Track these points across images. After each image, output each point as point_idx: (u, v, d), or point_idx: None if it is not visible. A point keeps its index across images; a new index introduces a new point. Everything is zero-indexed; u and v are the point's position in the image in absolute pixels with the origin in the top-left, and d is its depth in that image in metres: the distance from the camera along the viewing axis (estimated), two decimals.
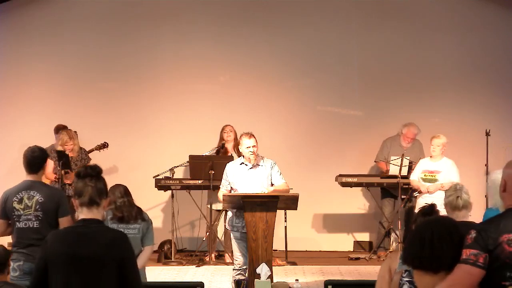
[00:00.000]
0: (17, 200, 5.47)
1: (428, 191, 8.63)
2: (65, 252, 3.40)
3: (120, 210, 5.90)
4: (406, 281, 3.37)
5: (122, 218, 5.87)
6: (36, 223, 5.43)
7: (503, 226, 3.23)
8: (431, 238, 3.25)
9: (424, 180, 8.72)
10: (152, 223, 6.03)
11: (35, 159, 5.57)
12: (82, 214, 3.50)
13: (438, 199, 8.52)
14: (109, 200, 5.98)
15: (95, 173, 3.53)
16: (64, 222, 5.50)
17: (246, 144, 7.07)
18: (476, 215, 5.17)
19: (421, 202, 8.29)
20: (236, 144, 8.97)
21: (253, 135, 7.11)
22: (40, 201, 5.44)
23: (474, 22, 10.51)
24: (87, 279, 3.37)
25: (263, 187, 7.04)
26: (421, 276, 3.29)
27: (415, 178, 8.84)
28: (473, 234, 3.22)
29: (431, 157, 8.82)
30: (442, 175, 8.65)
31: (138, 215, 5.93)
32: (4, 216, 5.51)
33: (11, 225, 5.53)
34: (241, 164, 7.15)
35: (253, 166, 7.10)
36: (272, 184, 7.12)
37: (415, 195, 8.93)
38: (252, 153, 7.03)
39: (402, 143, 9.66)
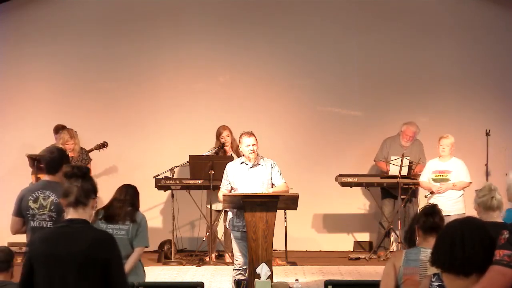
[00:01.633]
0: (32, 199, 5.46)
1: (439, 191, 8.61)
2: (48, 251, 3.41)
3: (110, 210, 5.89)
4: (436, 285, 3.30)
5: (109, 218, 5.86)
6: (50, 223, 5.42)
7: None
8: (461, 241, 3.15)
9: (435, 180, 8.69)
10: (145, 224, 5.97)
11: (53, 160, 5.56)
12: (69, 214, 3.50)
13: (449, 199, 8.55)
14: (112, 199, 6.01)
15: (81, 173, 3.53)
16: None
17: (246, 142, 7.09)
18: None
19: (433, 202, 8.27)
20: (235, 145, 9.00)
21: (253, 134, 7.13)
22: (55, 202, 5.43)
23: (474, 22, 10.51)
24: (70, 279, 3.36)
25: (263, 187, 7.05)
26: (451, 279, 3.20)
27: (425, 179, 8.81)
28: (506, 234, 3.12)
29: (440, 157, 8.79)
30: (453, 174, 8.63)
31: (128, 216, 5.88)
32: (19, 214, 5.51)
33: (25, 224, 5.53)
34: (241, 163, 7.16)
35: (253, 166, 7.11)
36: (272, 185, 7.13)
37: (427, 195, 8.89)
38: (252, 151, 7.04)
39: (401, 142, 9.65)
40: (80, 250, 3.37)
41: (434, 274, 3.31)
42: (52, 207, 5.44)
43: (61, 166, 5.59)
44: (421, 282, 3.60)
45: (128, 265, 5.76)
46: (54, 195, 5.44)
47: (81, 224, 3.47)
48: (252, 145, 7.06)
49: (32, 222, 5.44)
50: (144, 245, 5.94)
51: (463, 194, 8.62)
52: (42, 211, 5.44)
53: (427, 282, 3.37)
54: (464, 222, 3.27)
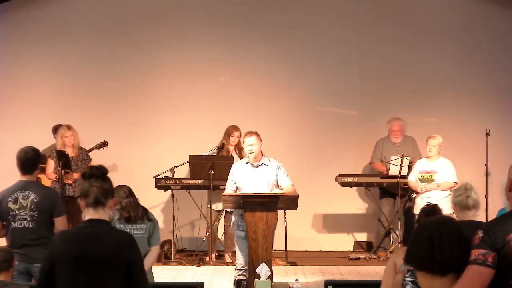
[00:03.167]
0: (12, 200, 5.46)
1: (422, 191, 8.64)
2: (72, 252, 3.39)
3: (127, 211, 5.90)
4: (409, 281, 3.31)
5: (129, 218, 5.88)
6: (31, 223, 5.43)
7: (510, 224, 3.21)
8: (440, 240, 3.18)
9: (421, 180, 8.74)
10: (158, 222, 6.05)
11: (28, 160, 5.58)
12: (89, 214, 3.50)
13: (435, 199, 8.56)
14: (115, 201, 6.01)
15: (100, 173, 3.54)
16: (59, 221, 5.50)
17: (246, 142, 7.17)
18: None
19: (419, 202, 8.33)
20: (240, 146, 9.04)
21: (254, 134, 7.16)
22: (35, 200, 5.43)
23: (474, 22, 10.51)
24: (93, 280, 3.36)
25: (268, 187, 7.07)
26: (427, 278, 3.20)
27: (413, 179, 8.86)
28: (480, 234, 3.18)
29: (428, 157, 8.83)
30: (439, 175, 8.67)
31: (145, 215, 5.94)
32: None
33: (5, 227, 5.52)
34: (246, 163, 7.22)
35: (258, 165, 7.14)
36: (278, 186, 7.16)
37: (413, 196, 8.95)
38: (251, 151, 7.08)
39: (392, 140, 9.70)
40: (104, 251, 3.37)
41: (409, 270, 3.32)
42: (33, 206, 5.44)
43: (37, 166, 5.62)
44: (395, 279, 3.61)
45: (149, 263, 5.79)
46: (33, 194, 5.46)
47: (103, 224, 3.47)
48: (251, 144, 7.11)
49: (13, 223, 5.44)
50: (159, 244, 6.01)
51: (450, 194, 8.63)
52: (23, 211, 5.44)
53: (401, 277, 3.37)
54: (440, 222, 3.29)
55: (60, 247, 3.44)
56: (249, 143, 7.12)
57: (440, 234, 3.19)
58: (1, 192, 5.59)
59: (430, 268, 3.19)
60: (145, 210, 5.99)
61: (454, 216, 4.89)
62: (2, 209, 5.46)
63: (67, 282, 3.38)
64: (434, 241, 3.18)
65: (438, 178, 8.65)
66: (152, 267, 6.01)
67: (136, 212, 5.90)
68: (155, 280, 7.80)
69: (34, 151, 5.68)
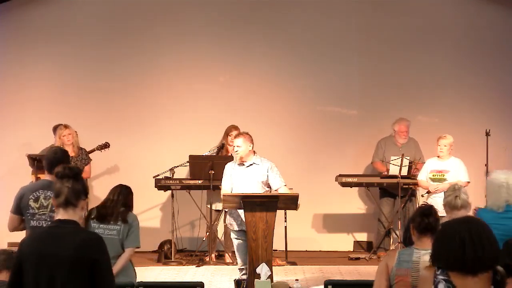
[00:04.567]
0: (33, 198, 5.45)
1: (436, 191, 8.62)
2: (38, 251, 3.41)
3: (103, 210, 5.89)
4: (442, 279, 3.27)
5: (102, 217, 5.86)
6: (50, 223, 5.42)
7: None
8: (470, 240, 3.17)
9: (433, 180, 8.72)
10: (137, 225, 5.95)
11: (56, 160, 5.55)
12: (59, 214, 3.51)
13: None
14: (106, 199, 6.02)
15: (73, 174, 3.53)
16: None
17: (233, 143, 7.30)
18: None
19: (430, 202, 8.30)
20: None
21: (241, 135, 7.25)
22: None
23: (475, 22, 10.51)
24: (58, 279, 3.36)
25: (258, 187, 7.10)
26: (459, 278, 3.20)
27: (423, 178, 8.83)
28: None
29: (438, 157, 8.81)
30: (451, 174, 8.65)
31: (120, 216, 5.88)
32: (18, 212, 5.50)
33: (24, 221, 5.53)
34: (239, 163, 7.25)
35: (249, 165, 7.18)
36: (269, 186, 7.19)
37: (424, 194, 8.91)
38: (236, 152, 7.19)
39: (398, 140, 9.68)
40: (69, 251, 3.37)
41: (439, 268, 3.28)
42: (53, 207, 5.42)
43: None
44: (421, 274, 3.58)
45: (118, 265, 5.75)
46: None
47: (70, 225, 3.48)
48: (236, 146, 7.22)
49: (32, 221, 5.44)
50: (135, 246, 5.91)
51: None
52: (43, 211, 5.44)
53: (429, 274, 3.32)
54: (468, 222, 3.28)
55: (27, 247, 3.47)
56: (235, 144, 7.28)
57: (470, 234, 3.18)
58: (23, 188, 5.58)
59: (461, 268, 3.17)
60: (124, 211, 5.90)
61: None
62: (23, 205, 5.47)
63: (32, 282, 3.40)
64: (465, 240, 3.16)
65: (450, 177, 8.62)
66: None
67: (111, 212, 5.86)
68: (155, 280, 7.83)
69: (63, 152, 5.68)
